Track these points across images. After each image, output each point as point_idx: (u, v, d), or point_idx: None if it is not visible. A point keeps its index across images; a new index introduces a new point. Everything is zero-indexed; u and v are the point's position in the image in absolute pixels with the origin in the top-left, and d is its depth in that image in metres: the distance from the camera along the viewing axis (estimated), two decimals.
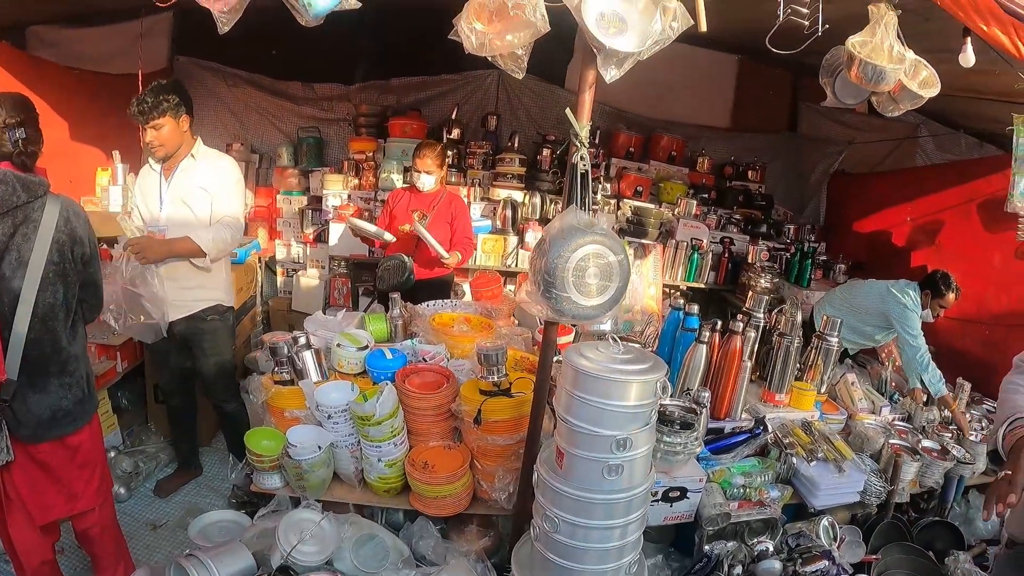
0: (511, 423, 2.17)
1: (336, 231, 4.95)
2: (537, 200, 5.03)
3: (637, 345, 2.63)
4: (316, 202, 5.30)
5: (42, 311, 1.98)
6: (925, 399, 3.29)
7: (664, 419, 2.20)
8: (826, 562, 2.22)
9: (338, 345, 2.50)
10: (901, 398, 3.33)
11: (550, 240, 1.80)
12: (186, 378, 3.25)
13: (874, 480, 2.47)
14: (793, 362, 2.69)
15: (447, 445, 2.30)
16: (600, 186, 5.23)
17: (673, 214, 5.37)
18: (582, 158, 1.82)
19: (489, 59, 1.74)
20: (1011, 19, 1.96)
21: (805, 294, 4.91)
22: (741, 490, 2.28)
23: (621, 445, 1.70)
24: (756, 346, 2.70)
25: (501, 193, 5.04)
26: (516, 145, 5.23)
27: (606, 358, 1.75)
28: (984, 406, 3.47)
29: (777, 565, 2.21)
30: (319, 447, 2.11)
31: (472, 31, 1.69)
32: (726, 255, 5.39)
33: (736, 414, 2.58)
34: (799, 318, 2.77)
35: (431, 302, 3.16)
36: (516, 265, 4.98)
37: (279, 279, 5.50)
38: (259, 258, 4.92)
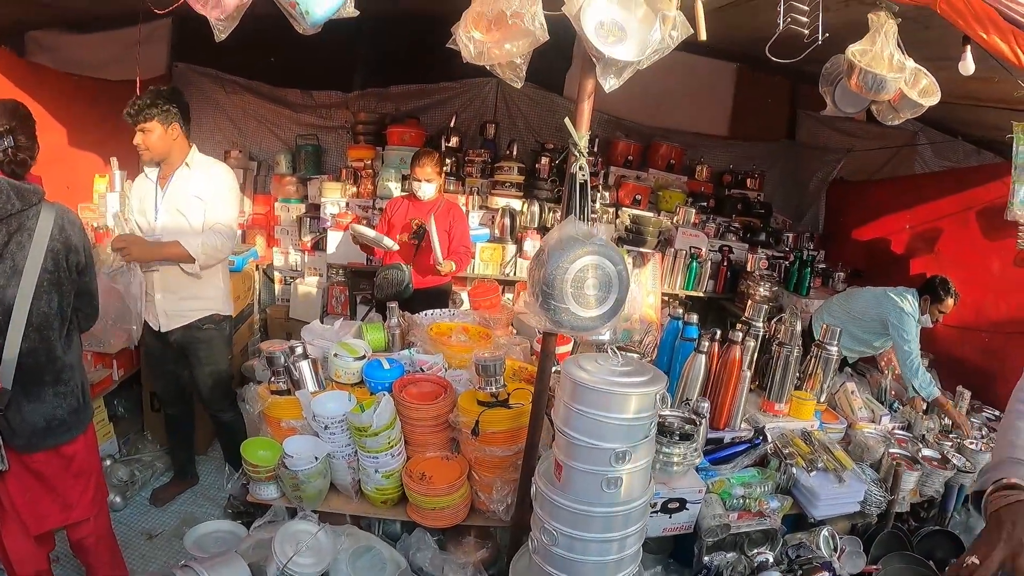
0: (509, 434, 2.15)
1: (334, 239, 4.93)
2: (535, 208, 5.01)
3: (636, 356, 2.62)
4: (314, 210, 5.30)
5: (37, 320, 1.97)
6: (925, 407, 3.28)
7: (663, 430, 2.18)
8: (826, 573, 2.19)
9: (335, 355, 2.48)
10: (901, 407, 3.32)
11: (549, 251, 1.79)
12: (184, 387, 3.23)
13: (874, 490, 2.45)
14: (792, 371, 2.68)
15: (445, 456, 2.29)
16: (599, 194, 5.22)
17: (672, 222, 5.36)
18: (581, 168, 1.81)
19: (487, 68, 1.73)
20: (1011, 27, 1.97)
21: (804, 302, 4.90)
22: (741, 501, 2.26)
23: (620, 458, 1.68)
24: (755, 355, 2.69)
25: (499, 201, 5.02)
26: (514, 153, 5.22)
27: (605, 370, 1.73)
28: (984, 414, 3.44)
29: None
30: (316, 457, 2.09)
31: (470, 40, 1.68)
32: (725, 263, 5.38)
33: (735, 424, 2.56)
34: (798, 327, 2.75)
35: (429, 311, 3.14)
36: (514, 274, 4.97)
37: (277, 287, 5.50)
38: (257, 266, 4.90)
